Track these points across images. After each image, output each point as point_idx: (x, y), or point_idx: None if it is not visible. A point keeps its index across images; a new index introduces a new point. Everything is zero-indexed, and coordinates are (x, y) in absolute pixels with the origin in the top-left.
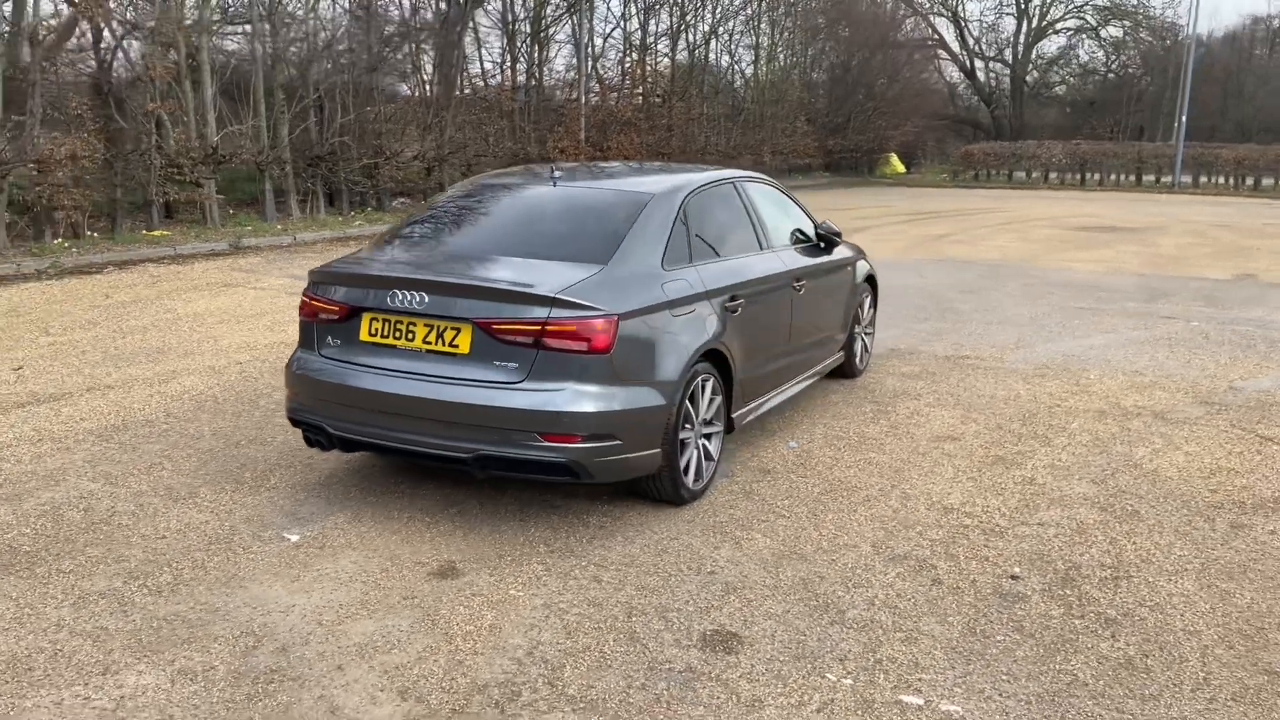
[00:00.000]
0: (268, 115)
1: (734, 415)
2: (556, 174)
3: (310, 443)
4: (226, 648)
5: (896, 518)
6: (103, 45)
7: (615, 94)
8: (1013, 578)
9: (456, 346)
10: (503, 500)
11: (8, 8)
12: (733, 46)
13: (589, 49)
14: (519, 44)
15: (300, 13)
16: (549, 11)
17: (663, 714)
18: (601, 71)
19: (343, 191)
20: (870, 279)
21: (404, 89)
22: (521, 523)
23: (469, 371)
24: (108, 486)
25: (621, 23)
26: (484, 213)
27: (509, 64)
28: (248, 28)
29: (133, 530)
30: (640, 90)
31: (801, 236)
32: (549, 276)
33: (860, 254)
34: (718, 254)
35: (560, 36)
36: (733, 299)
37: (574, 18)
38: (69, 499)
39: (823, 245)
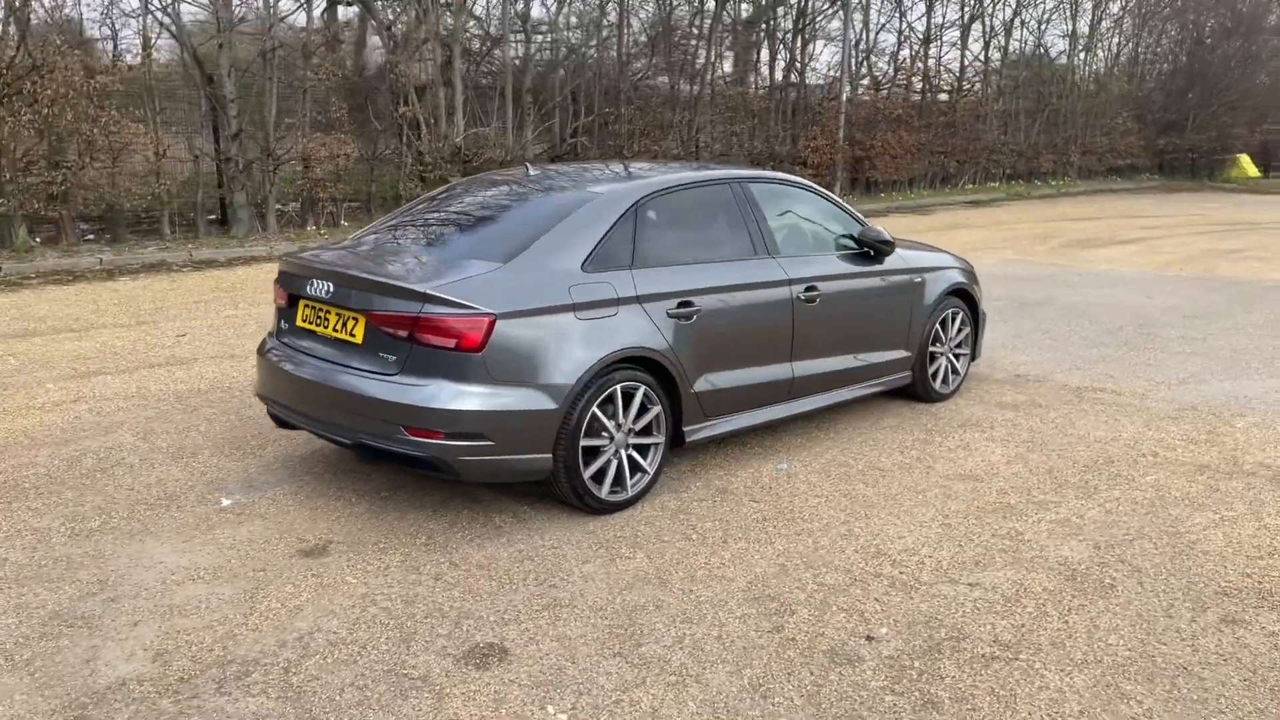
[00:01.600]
0: (515, 116)
1: (685, 429)
2: (532, 171)
3: (272, 419)
4: (69, 591)
5: (809, 556)
6: (363, 52)
7: (885, 89)
8: (868, 638)
9: (354, 336)
10: (433, 490)
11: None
12: (1040, 34)
13: (859, 42)
14: (778, 39)
15: (551, 17)
16: (815, 4)
17: (346, 714)
18: (873, 65)
19: None
20: (961, 293)
21: (682, 86)
22: (428, 512)
23: (359, 361)
24: (138, 441)
25: (900, 12)
26: (440, 209)
27: (766, 61)
28: (496, 26)
29: (113, 481)
30: (920, 85)
31: (847, 244)
32: (439, 272)
33: (944, 265)
34: (681, 258)
35: (829, 29)
36: (683, 306)
37: (843, 10)
38: (100, 448)
39: (872, 254)
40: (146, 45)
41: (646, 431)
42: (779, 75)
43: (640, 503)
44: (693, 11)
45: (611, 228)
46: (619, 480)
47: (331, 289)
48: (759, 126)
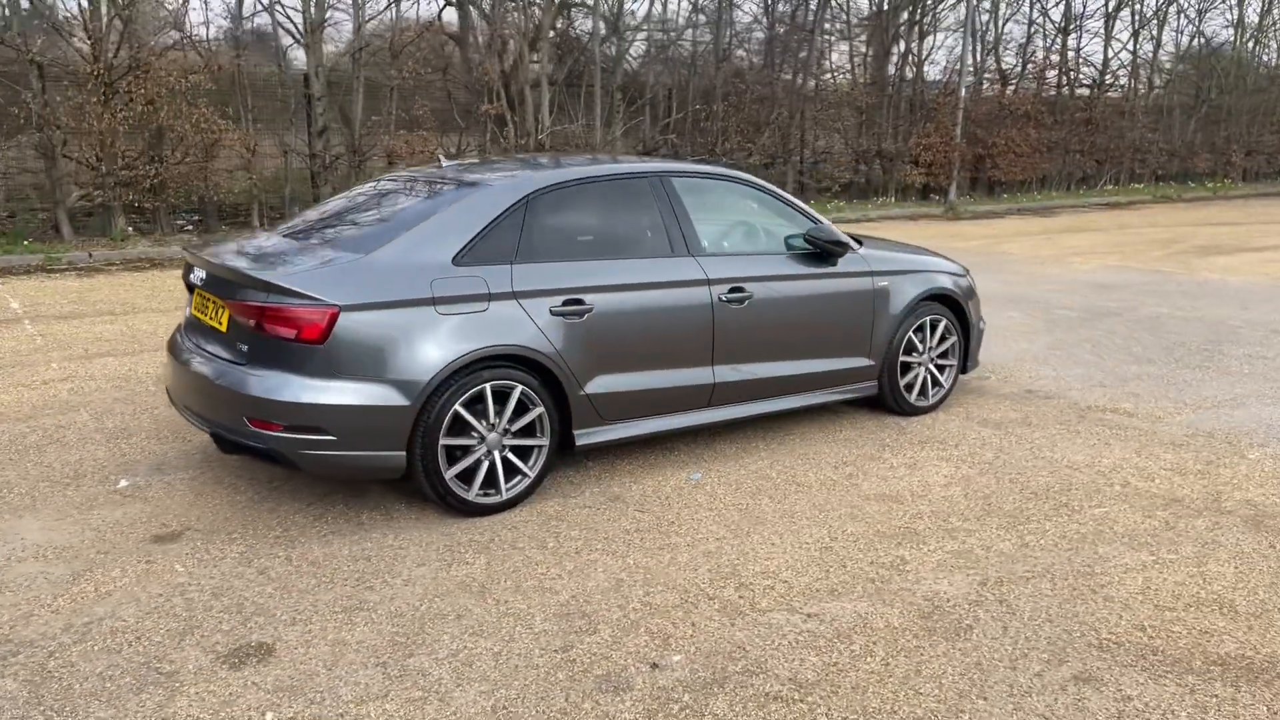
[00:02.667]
0: (603, 112)
1: (576, 432)
2: (445, 164)
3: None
4: None
5: (654, 573)
6: (459, 49)
7: (1013, 84)
8: (653, 665)
9: (221, 324)
10: (323, 482)
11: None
12: (1200, 23)
13: (984, 33)
14: (892, 32)
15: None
16: None
17: (72, 704)
18: (1000, 58)
19: None
20: (944, 299)
21: (790, 79)
22: (304, 505)
23: (222, 349)
24: (90, 421)
25: (1032, 1)
26: (349, 203)
27: (879, 55)
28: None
29: (40, 457)
30: (1055, 78)
31: (797, 244)
32: (293, 263)
33: (922, 269)
34: (576, 254)
35: (950, 22)
36: (571, 304)
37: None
38: (51, 426)
39: (822, 255)
40: (240, 45)
41: (528, 433)
42: (891, 69)
43: (521, 506)
44: (796, 4)
45: (494, 221)
46: (491, 482)
47: (204, 277)
48: (866, 123)
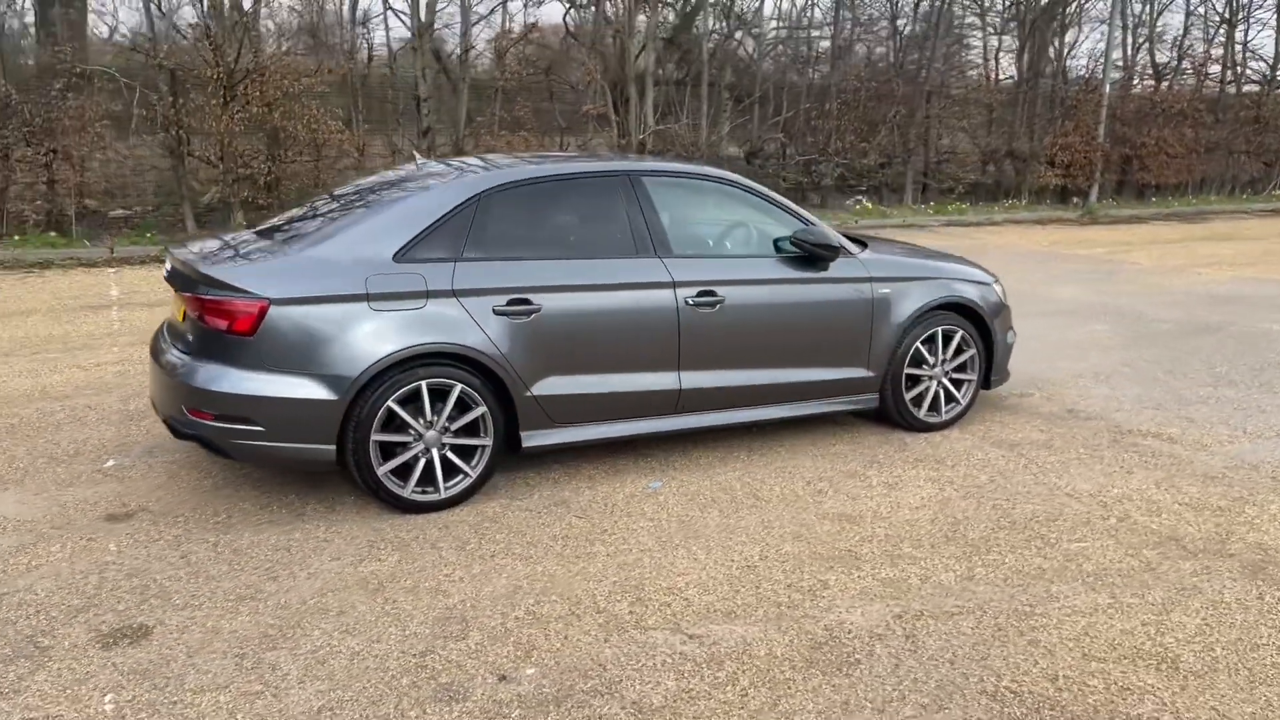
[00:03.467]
0: (709, 111)
1: (524, 434)
2: (419, 163)
3: None
4: None
5: (555, 582)
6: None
7: (1168, 79)
8: (501, 678)
9: (180, 318)
10: (285, 472)
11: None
12: None
13: (1136, 25)
14: (1028, 26)
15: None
16: None
17: None
18: (1154, 53)
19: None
20: (961, 308)
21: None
22: (259, 492)
23: (178, 341)
24: (118, 404)
25: None
26: (323, 201)
27: (1019, 50)
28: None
29: (55, 435)
30: (1219, 74)
31: (787, 247)
32: (240, 257)
33: (936, 275)
34: (527, 254)
35: (1098, 11)
36: (516, 304)
37: None
38: (81, 406)
39: (810, 258)
40: (354, 50)
41: (470, 432)
42: (1028, 64)
43: (463, 505)
44: None
45: (440, 220)
46: (430, 480)
47: (169, 271)
48: (996, 122)
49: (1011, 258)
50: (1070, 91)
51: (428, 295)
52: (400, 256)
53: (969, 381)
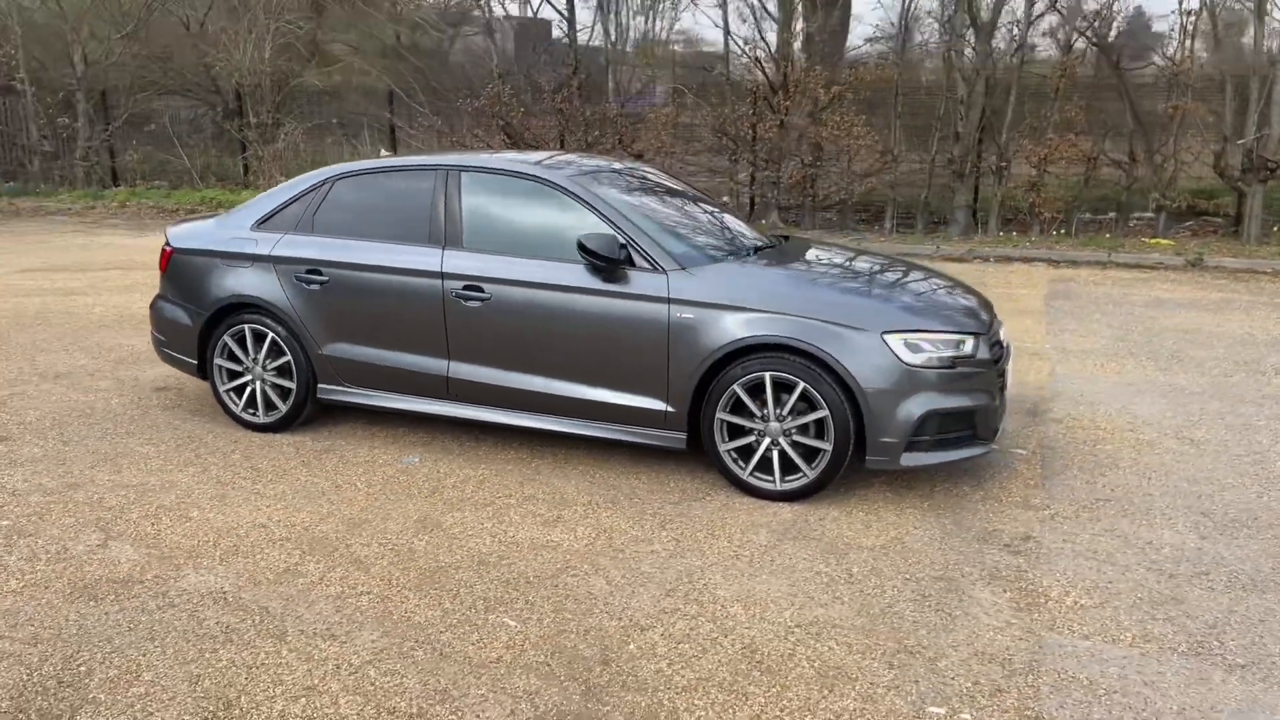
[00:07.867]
0: None
1: (321, 386)
2: (384, 154)
3: None
4: None
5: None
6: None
7: None
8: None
9: None
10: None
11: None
12: None
13: None
14: None
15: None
16: None
17: None
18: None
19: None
20: (805, 354)
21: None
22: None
23: None
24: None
25: None
26: None
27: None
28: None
29: (86, 409)
30: None
31: (589, 253)
32: (193, 223)
33: (783, 310)
34: (335, 232)
35: None
36: (311, 273)
37: None
38: (154, 377)
39: (601, 268)
40: (900, 57)
41: (284, 374)
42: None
43: (289, 431)
44: None
45: (293, 199)
46: (253, 404)
47: None
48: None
49: None
50: None
51: (254, 259)
52: (258, 225)
53: (823, 451)
